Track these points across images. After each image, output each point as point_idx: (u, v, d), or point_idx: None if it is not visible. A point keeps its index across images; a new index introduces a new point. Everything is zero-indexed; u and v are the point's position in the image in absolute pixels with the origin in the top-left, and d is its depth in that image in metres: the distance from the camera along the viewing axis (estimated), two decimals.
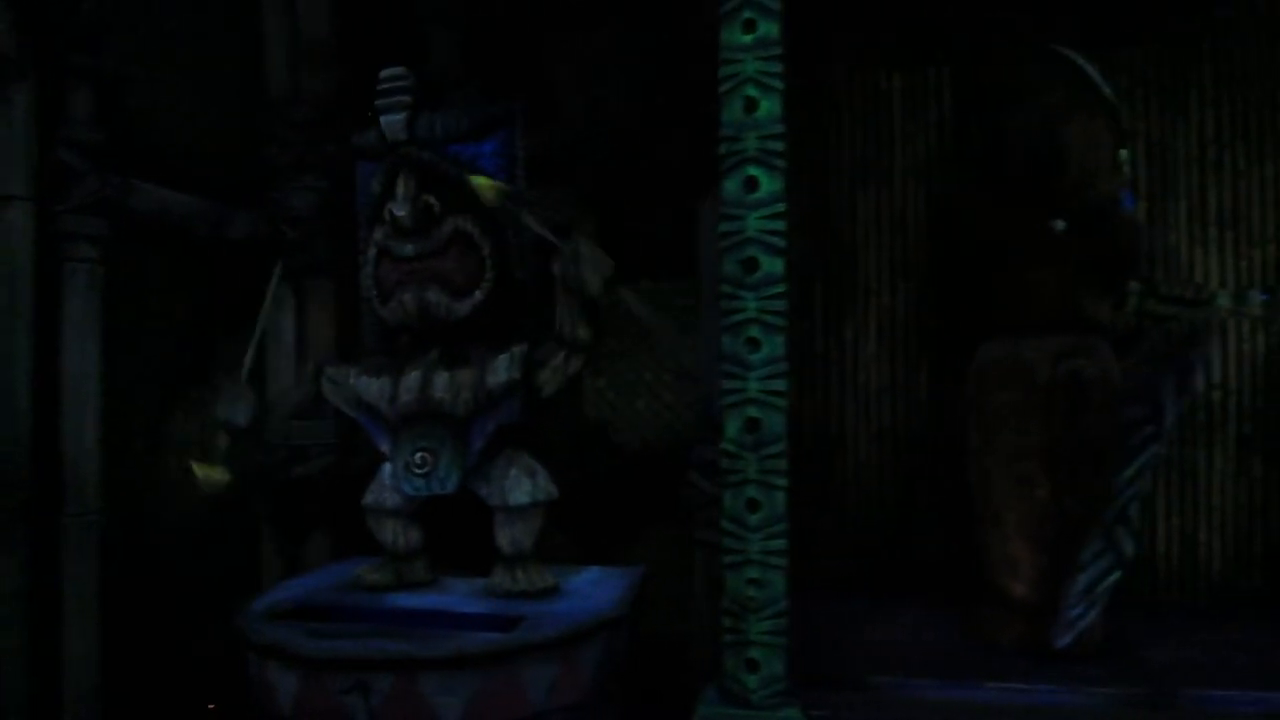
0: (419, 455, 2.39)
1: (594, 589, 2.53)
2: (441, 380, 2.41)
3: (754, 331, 1.94)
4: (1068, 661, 2.17)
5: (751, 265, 1.94)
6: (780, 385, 1.95)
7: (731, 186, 1.96)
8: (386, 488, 2.53)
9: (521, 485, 2.48)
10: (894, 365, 2.85)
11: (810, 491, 2.84)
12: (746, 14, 1.95)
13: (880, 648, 2.34)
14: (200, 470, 2.44)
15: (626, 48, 2.79)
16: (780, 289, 1.94)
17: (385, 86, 2.44)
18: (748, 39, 1.95)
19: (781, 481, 1.95)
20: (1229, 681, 2.08)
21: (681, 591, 2.85)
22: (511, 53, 2.96)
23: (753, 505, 1.94)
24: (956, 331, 2.59)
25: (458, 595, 2.49)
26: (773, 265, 1.94)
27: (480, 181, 2.41)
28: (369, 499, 2.57)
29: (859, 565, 2.84)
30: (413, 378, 2.41)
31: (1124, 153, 2.25)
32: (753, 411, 1.94)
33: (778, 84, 1.95)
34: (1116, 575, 2.13)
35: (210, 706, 2.89)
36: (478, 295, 2.45)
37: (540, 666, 2.15)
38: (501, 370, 2.41)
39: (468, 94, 2.79)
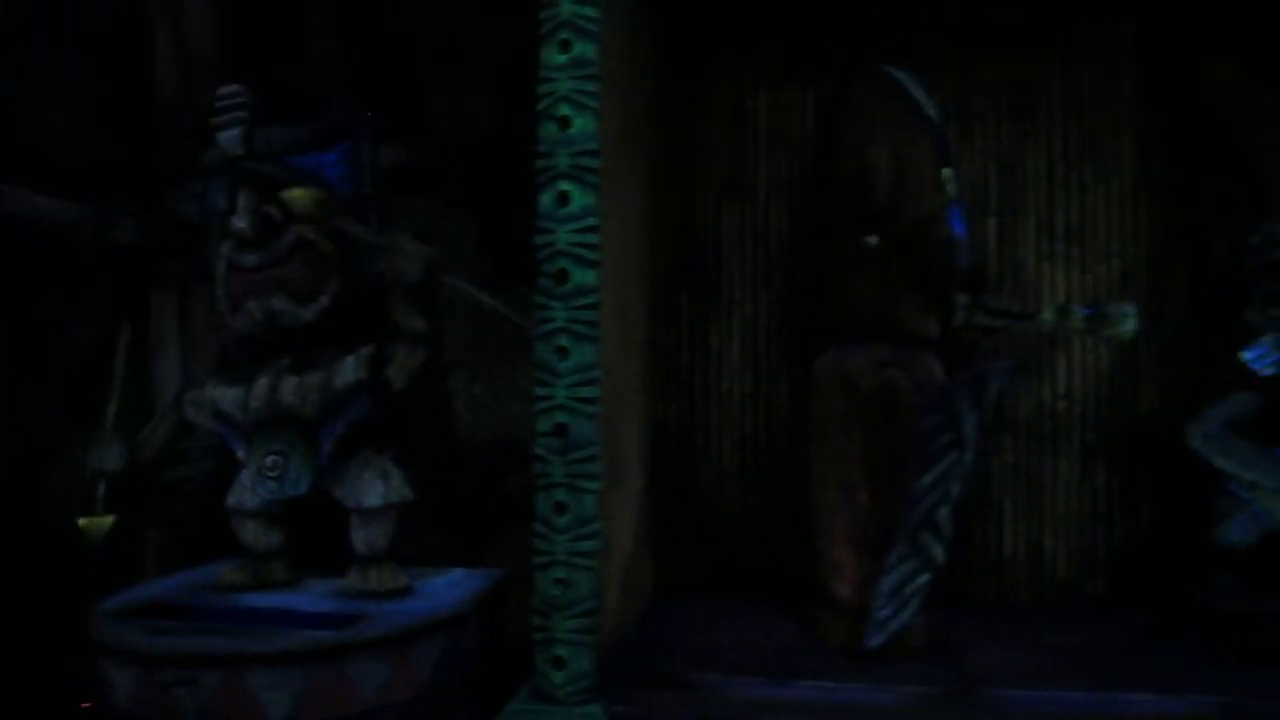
0: (270, 459, 2.46)
1: (448, 590, 2.60)
2: (290, 385, 2.48)
3: (563, 340, 2.01)
4: (889, 661, 2.24)
5: (562, 276, 2.01)
6: (590, 392, 2.02)
7: (545, 201, 2.03)
8: (246, 490, 2.60)
9: (374, 488, 2.54)
10: (756, 374, 2.92)
11: (674, 497, 2.91)
12: (563, 35, 2.03)
13: (719, 647, 2.41)
14: (85, 523, 2.54)
15: (491, 58, 2.87)
16: (591, 299, 2.02)
17: (221, 104, 2.53)
18: (563, 59, 2.03)
19: (591, 485, 2.02)
20: (1034, 681, 2.15)
21: None
22: (390, 64, 3.04)
23: (560, 508, 2.01)
24: (811, 342, 2.67)
25: (311, 595, 2.56)
26: (584, 277, 2.02)
27: (295, 193, 2.51)
28: (231, 501, 2.64)
29: (721, 569, 2.91)
30: (262, 384, 2.48)
31: (946, 171, 2.32)
32: (561, 417, 2.01)
33: (592, 103, 2.03)
34: (926, 578, 2.20)
35: (85, 704, 2.93)
36: (323, 300, 2.53)
37: (370, 664, 2.21)
38: (348, 371, 2.49)
39: (343, 105, 2.87)
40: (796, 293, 2.86)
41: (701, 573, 2.92)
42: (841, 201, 2.34)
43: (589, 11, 2.03)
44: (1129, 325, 2.37)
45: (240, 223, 2.42)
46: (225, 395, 2.52)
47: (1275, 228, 2.27)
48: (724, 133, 2.95)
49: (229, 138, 2.50)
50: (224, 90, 2.53)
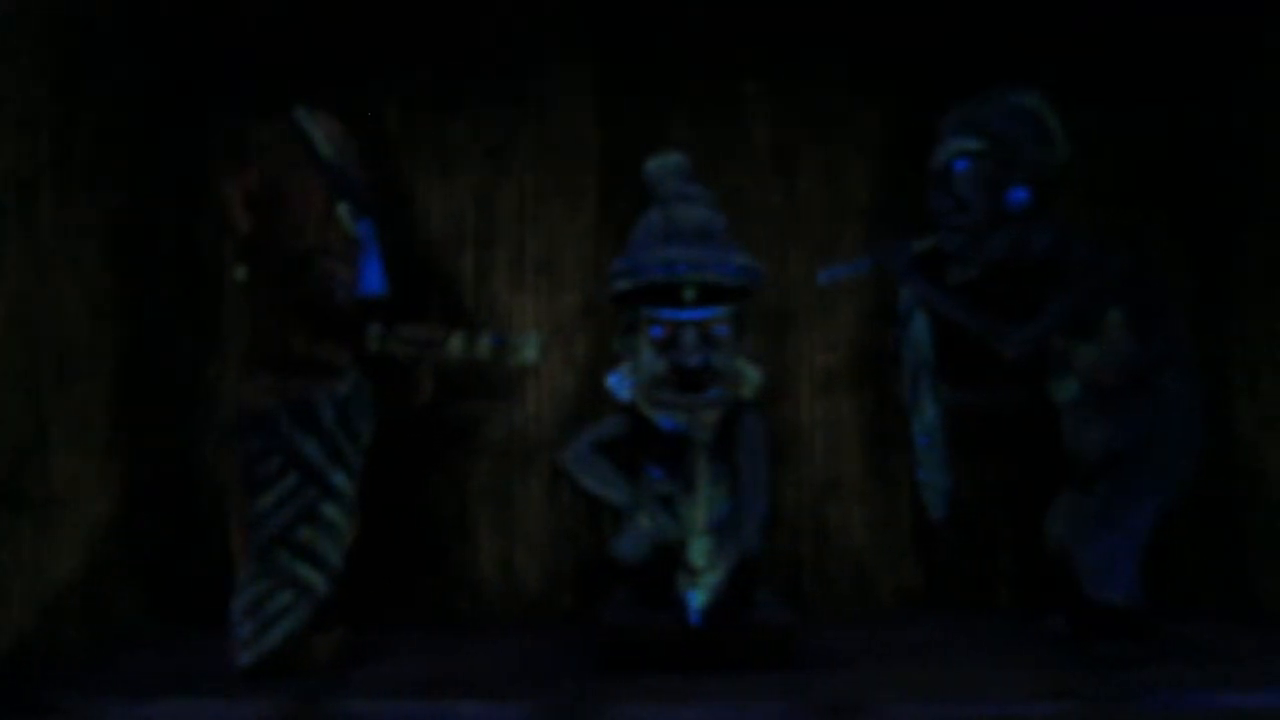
0: None
1: None
2: None
3: None
4: (282, 677, 2.32)
5: None
6: None
7: None
8: None
9: None
10: None
11: (170, 525, 2.96)
12: None
13: (143, 671, 2.45)
14: None
15: None
16: None
17: None
18: None
19: None
20: (393, 694, 2.24)
21: None
22: None
23: None
24: None
25: None
26: None
27: None
28: None
29: (220, 593, 2.95)
30: None
31: (342, 207, 2.44)
32: None
33: None
34: (289, 596, 2.30)
35: None
36: None
37: None
38: None
39: None
40: None
41: (203, 598, 2.96)
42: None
43: None
44: (530, 354, 2.54)
45: None
46: None
47: (621, 260, 2.44)
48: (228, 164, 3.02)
49: None
50: None
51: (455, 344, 2.55)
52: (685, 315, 2.33)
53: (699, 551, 2.24)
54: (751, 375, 2.45)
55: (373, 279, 2.57)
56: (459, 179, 2.98)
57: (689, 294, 2.31)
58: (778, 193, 2.98)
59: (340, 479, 2.35)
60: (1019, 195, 2.40)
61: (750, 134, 2.99)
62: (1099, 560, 2.40)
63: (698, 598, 2.27)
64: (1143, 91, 2.96)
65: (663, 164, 2.49)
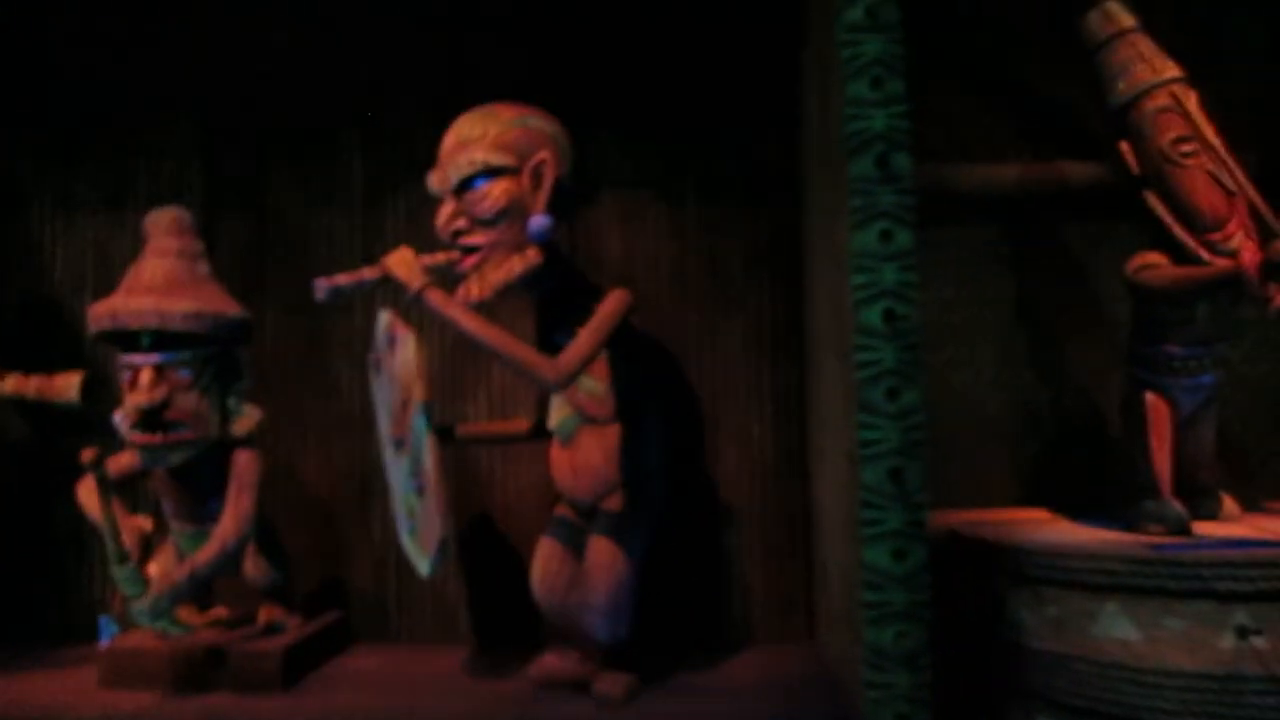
0: None
1: None
2: None
3: None
4: None
5: None
6: None
7: None
8: None
9: None
10: None
11: None
12: None
13: None
14: None
15: None
16: None
17: None
18: None
19: None
20: None
21: None
22: None
23: None
24: None
25: None
26: None
27: None
28: None
29: None
30: None
31: None
32: None
33: None
34: None
35: None
36: None
37: None
38: None
39: None
40: None
41: None
42: None
43: None
44: (72, 394, 2.74)
45: None
46: None
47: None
48: None
49: None
50: None
51: (7, 384, 2.76)
52: (139, 360, 2.47)
53: (119, 580, 2.38)
54: (245, 413, 2.58)
55: None
56: (81, 228, 3.18)
57: (144, 340, 2.46)
58: (370, 233, 3.10)
59: None
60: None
61: (346, 177, 3.12)
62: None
63: (109, 626, 2.41)
64: (721, 123, 3.00)
65: (155, 219, 2.63)
